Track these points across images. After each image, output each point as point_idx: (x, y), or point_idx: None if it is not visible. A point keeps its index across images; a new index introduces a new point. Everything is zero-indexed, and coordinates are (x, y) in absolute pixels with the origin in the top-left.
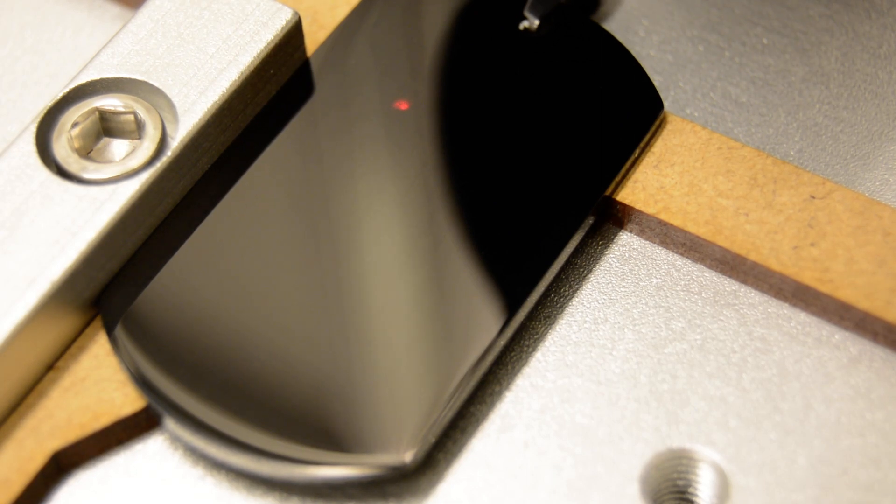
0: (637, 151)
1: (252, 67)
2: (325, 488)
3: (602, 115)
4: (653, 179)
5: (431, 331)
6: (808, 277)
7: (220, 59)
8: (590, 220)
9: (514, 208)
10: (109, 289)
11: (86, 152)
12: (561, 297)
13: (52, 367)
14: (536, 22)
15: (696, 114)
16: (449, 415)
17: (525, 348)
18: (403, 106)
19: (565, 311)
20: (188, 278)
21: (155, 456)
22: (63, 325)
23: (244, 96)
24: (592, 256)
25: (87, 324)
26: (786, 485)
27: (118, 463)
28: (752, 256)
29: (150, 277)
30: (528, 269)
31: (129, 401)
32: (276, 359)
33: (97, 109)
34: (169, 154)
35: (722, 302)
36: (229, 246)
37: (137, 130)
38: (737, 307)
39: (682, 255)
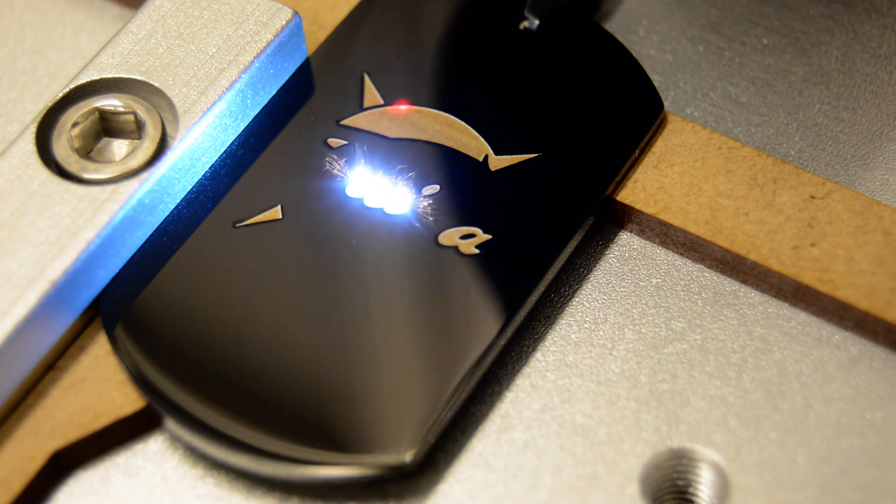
0: (637, 151)
1: (252, 67)
2: (325, 488)
3: (602, 115)
4: (653, 179)
5: (431, 331)
6: (808, 277)
7: (220, 59)
8: (590, 220)
9: (515, 209)
10: (109, 289)
11: (86, 152)
12: (561, 297)
13: (52, 367)
14: (536, 22)
15: (696, 114)
16: (449, 415)
17: (525, 348)
18: (403, 106)
19: (565, 311)
20: (188, 278)
21: (155, 456)
22: (63, 325)
23: (244, 96)
24: (592, 256)
25: (88, 324)
26: (786, 485)
27: (118, 463)
28: (752, 256)
29: (150, 277)
30: (528, 269)
31: (129, 401)
32: (277, 359)
33: (97, 109)
34: (169, 154)
35: (722, 302)
36: (230, 246)
37: (137, 130)
38: (737, 307)
39: (682, 255)
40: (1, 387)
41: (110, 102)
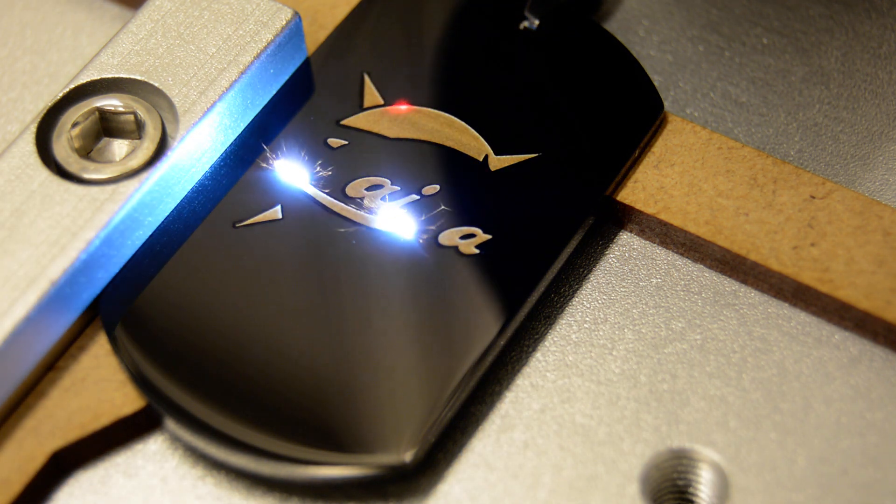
0: (637, 151)
1: (252, 67)
2: (325, 488)
3: (602, 115)
4: (653, 179)
5: (431, 331)
6: (808, 277)
7: (220, 59)
8: (590, 220)
9: (515, 209)
10: (109, 289)
11: (86, 152)
12: (561, 297)
13: (52, 367)
14: (536, 22)
15: (696, 114)
16: (449, 415)
17: (525, 348)
18: (403, 106)
19: (565, 311)
20: (188, 278)
21: (155, 456)
22: (63, 325)
23: (244, 96)
24: (592, 256)
25: (88, 324)
26: (786, 485)
27: (118, 463)
28: (752, 256)
29: (150, 277)
30: (528, 269)
31: (129, 401)
32: (277, 359)
33: (97, 109)
34: (169, 154)
35: (722, 302)
36: (230, 246)
37: (137, 130)
38: (737, 307)
39: (682, 255)
40: (1, 387)
41: (110, 102)
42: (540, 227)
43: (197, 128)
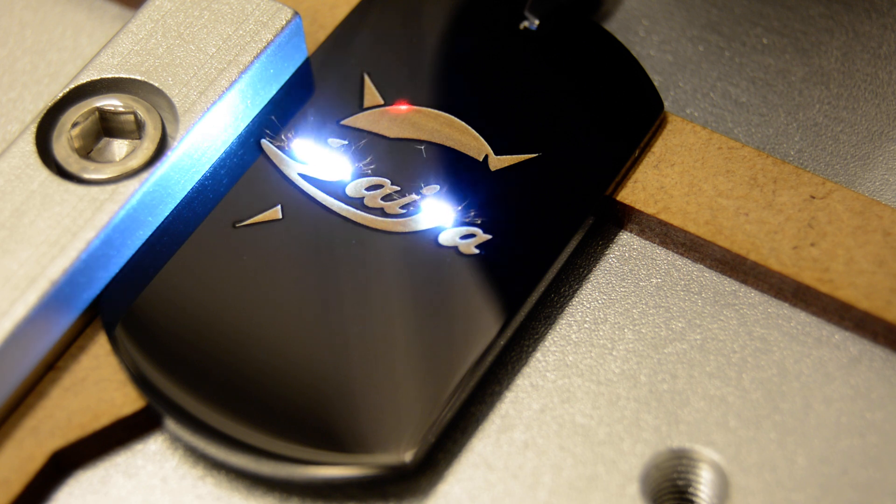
0: (637, 151)
1: (252, 67)
2: (325, 488)
3: (602, 114)
4: (653, 179)
5: (432, 331)
6: (808, 277)
7: (220, 59)
8: (590, 220)
9: (515, 209)
10: (109, 289)
11: (86, 152)
12: (561, 297)
13: (53, 367)
14: (536, 22)
15: (696, 114)
16: (449, 415)
17: (525, 348)
18: (403, 106)
19: (565, 311)
20: (188, 278)
21: (155, 456)
22: (63, 325)
23: (244, 96)
24: (592, 256)
25: (88, 324)
26: (786, 485)
27: (118, 463)
28: (752, 256)
29: (150, 277)
30: (528, 269)
31: (129, 401)
32: (277, 359)
33: (97, 109)
34: (169, 154)
35: (722, 302)
36: (230, 246)
37: (137, 130)
38: (737, 307)
39: (682, 255)
40: (1, 387)
41: (110, 102)
42: (540, 227)
43: (197, 128)
